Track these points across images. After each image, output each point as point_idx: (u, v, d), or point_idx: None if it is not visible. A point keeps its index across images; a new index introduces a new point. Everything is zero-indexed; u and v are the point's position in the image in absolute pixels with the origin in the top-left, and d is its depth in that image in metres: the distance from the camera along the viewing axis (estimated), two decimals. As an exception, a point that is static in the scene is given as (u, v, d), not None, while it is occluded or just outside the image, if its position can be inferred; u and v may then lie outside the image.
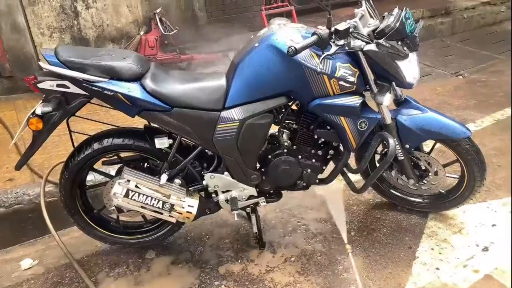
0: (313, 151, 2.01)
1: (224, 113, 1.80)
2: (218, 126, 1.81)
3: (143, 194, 1.78)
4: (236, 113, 1.80)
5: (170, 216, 1.84)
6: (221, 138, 1.83)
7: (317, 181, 2.08)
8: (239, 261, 2.13)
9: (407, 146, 2.04)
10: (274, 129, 1.98)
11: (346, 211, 2.46)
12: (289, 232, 2.32)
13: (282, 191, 2.15)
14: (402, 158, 2.08)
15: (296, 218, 2.42)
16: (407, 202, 2.36)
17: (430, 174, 2.16)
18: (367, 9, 1.88)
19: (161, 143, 1.86)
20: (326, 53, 1.64)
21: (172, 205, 1.81)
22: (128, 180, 1.79)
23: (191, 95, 1.77)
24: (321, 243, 2.21)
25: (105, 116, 3.15)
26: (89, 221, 2.05)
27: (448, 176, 2.17)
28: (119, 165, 2.01)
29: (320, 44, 1.64)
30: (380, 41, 1.69)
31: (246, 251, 2.19)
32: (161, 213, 1.83)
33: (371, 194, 2.55)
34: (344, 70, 1.75)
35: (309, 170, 2.01)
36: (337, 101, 1.80)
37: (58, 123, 1.80)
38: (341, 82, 1.77)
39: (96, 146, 1.87)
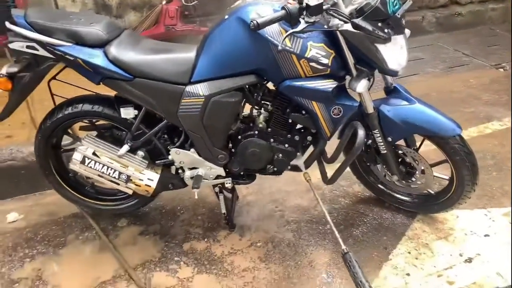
0: (289, 135, 1.90)
1: (189, 88, 1.73)
2: (183, 101, 1.74)
3: (99, 163, 1.77)
4: (201, 89, 1.72)
5: (126, 187, 1.82)
6: (186, 113, 1.76)
7: (289, 167, 1.98)
8: (205, 239, 2.10)
9: (390, 139, 1.87)
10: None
11: (330, 201, 2.34)
12: (263, 216, 2.24)
13: (260, 174, 2.06)
14: (385, 151, 1.92)
15: (275, 203, 2.33)
16: (395, 199, 2.20)
17: (416, 172, 1.98)
18: None
19: (127, 113, 1.82)
20: (291, 30, 1.51)
21: (129, 176, 1.79)
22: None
23: (154, 66, 1.71)
24: (292, 232, 2.12)
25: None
26: (62, 183, 2.08)
27: (436, 176, 1.98)
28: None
29: (289, 20, 1.51)
30: (356, 20, 1.53)
31: (215, 231, 2.15)
32: (118, 184, 1.81)
33: (361, 187, 2.39)
34: (317, 50, 1.61)
35: (280, 155, 1.91)
36: (308, 84, 1.66)
37: (30, 84, 1.82)
38: (313, 64, 1.62)
39: (66, 110, 1.88)
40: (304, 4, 1.49)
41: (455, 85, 3.68)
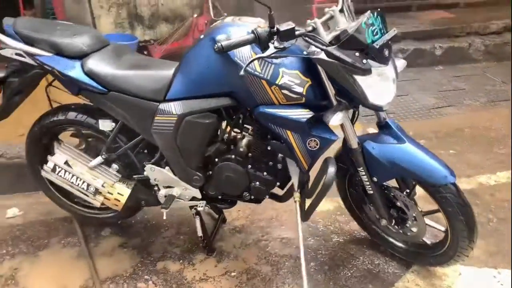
0: (270, 163, 1.78)
1: (162, 105, 1.68)
2: (156, 118, 1.69)
3: (69, 172, 1.77)
4: (175, 107, 1.66)
5: (94, 199, 1.81)
6: (159, 131, 1.71)
7: (267, 196, 1.85)
8: (181, 261, 2.03)
9: (375, 179, 1.68)
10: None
11: (321, 236, 2.16)
12: (246, 244, 2.13)
13: (238, 200, 1.96)
14: (371, 192, 1.73)
15: (262, 232, 2.20)
16: (389, 244, 1.98)
17: (407, 218, 1.76)
18: (345, 9, 1.58)
19: (104, 125, 1.82)
20: (258, 55, 1.40)
21: (97, 189, 1.78)
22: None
23: (130, 81, 1.68)
24: (271, 266, 1.99)
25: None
26: (50, 187, 2.11)
27: (430, 226, 1.75)
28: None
29: (258, 44, 1.41)
30: (329, 48, 1.38)
31: (193, 253, 2.07)
32: (87, 195, 1.81)
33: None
34: (290, 78, 1.49)
35: (257, 183, 1.79)
36: (281, 112, 1.54)
37: (21, 90, 1.86)
38: (285, 91, 1.50)
39: (53, 117, 1.91)
40: (275, 29, 1.38)
41: (494, 122, 3.27)
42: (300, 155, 1.63)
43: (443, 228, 1.75)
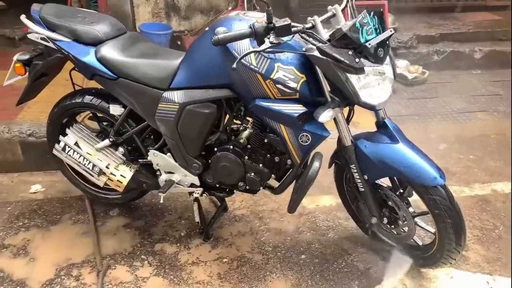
0: (268, 156, 1.84)
1: (166, 94, 1.77)
2: (160, 105, 1.79)
3: (77, 153, 1.90)
4: (177, 96, 1.75)
5: (98, 179, 1.92)
6: (162, 118, 1.80)
7: (261, 188, 1.91)
8: (178, 244, 2.12)
9: (366, 177, 1.71)
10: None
11: (317, 231, 2.20)
12: (243, 233, 2.20)
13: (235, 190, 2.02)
14: (363, 190, 1.75)
15: (260, 223, 2.27)
16: (382, 243, 1.99)
17: (399, 218, 1.78)
18: (349, 7, 1.62)
19: (114, 109, 1.93)
20: (252, 50, 1.46)
21: (101, 170, 1.89)
22: (73, 137, 1.93)
23: (137, 69, 1.78)
24: (262, 255, 2.05)
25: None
26: (66, 165, 2.25)
27: (420, 227, 1.76)
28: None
29: (255, 39, 1.47)
30: (322, 46, 1.43)
31: (190, 238, 2.16)
32: (92, 175, 1.92)
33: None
34: (284, 73, 1.54)
35: (252, 174, 1.85)
36: (274, 105, 1.60)
37: (43, 72, 2.00)
38: (279, 86, 1.56)
39: (71, 100, 2.04)
40: (271, 24, 1.44)
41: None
42: (292, 149, 1.68)
43: (433, 230, 1.76)
